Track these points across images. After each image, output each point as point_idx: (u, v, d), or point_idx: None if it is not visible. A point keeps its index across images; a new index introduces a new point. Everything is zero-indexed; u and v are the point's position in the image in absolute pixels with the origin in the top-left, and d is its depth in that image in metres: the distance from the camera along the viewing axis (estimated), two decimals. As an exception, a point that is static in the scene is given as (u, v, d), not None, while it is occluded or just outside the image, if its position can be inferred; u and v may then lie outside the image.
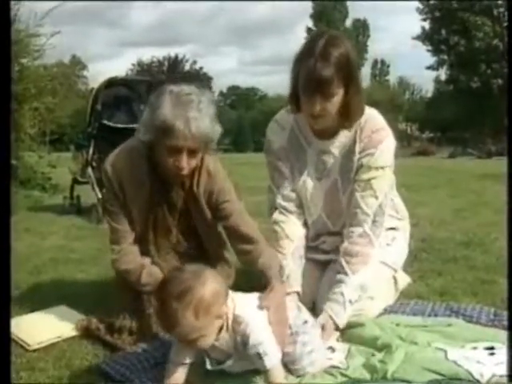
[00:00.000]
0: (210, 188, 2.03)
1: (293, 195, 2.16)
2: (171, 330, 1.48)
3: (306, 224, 2.19)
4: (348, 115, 1.98)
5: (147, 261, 2.04)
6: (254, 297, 1.68)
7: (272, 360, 1.49)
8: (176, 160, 1.86)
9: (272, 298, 1.70)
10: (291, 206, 2.16)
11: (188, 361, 1.56)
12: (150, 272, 2.01)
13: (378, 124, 2.06)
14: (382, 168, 2.03)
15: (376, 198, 2.02)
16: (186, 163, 1.87)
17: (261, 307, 1.63)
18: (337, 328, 1.90)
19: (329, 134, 2.08)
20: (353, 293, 1.95)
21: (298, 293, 2.02)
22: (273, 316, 1.63)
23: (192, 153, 1.87)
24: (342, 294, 1.94)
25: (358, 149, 2.04)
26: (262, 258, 1.91)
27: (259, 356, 1.48)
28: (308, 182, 2.13)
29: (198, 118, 1.81)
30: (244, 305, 1.58)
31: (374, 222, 2.02)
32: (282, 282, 1.89)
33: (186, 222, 2.11)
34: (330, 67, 1.85)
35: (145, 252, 2.09)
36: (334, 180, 2.10)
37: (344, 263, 1.98)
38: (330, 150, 2.09)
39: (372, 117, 2.07)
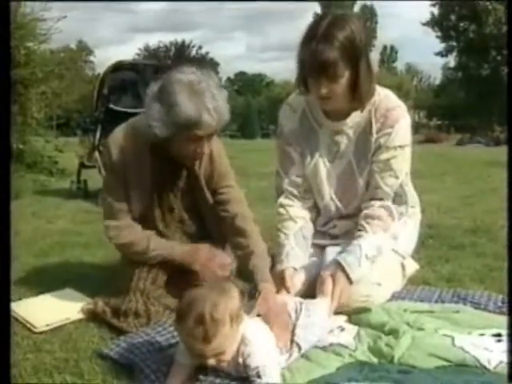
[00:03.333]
0: (211, 170, 2.06)
1: (300, 181, 2.14)
2: (205, 346, 1.43)
3: (313, 209, 2.18)
4: (358, 96, 1.95)
5: (152, 232, 2.05)
6: (259, 320, 1.67)
7: (269, 381, 1.48)
8: (198, 147, 1.91)
9: (263, 303, 1.72)
10: (298, 192, 2.15)
11: (191, 362, 1.55)
12: (159, 240, 2.03)
13: (393, 102, 2.04)
14: (401, 147, 2.01)
15: (396, 177, 2.02)
16: (206, 148, 1.93)
17: (266, 329, 1.62)
18: (350, 282, 1.87)
19: (342, 115, 2.05)
20: (371, 249, 1.92)
21: (294, 268, 2.00)
22: (270, 319, 1.65)
23: (210, 135, 1.92)
24: (360, 246, 1.92)
25: (374, 129, 2.01)
26: (253, 260, 1.91)
27: (258, 375, 1.47)
28: (319, 165, 2.11)
29: (217, 105, 1.84)
30: (252, 327, 1.56)
31: (395, 201, 2.03)
32: (270, 280, 1.87)
33: (190, 200, 2.12)
34: (332, 49, 1.82)
35: (158, 234, 2.09)
36: (348, 161, 2.08)
37: (364, 223, 1.98)
38: (343, 131, 2.06)
39: (386, 96, 2.04)
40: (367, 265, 1.92)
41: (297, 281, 1.98)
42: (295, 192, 2.15)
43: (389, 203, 2.02)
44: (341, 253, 1.96)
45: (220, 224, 2.12)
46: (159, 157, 2.00)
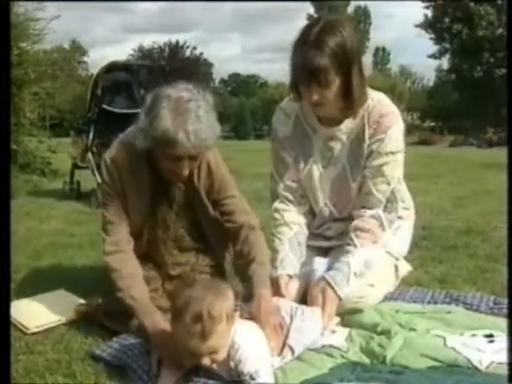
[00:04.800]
0: (211, 181, 2.02)
1: (294, 185, 2.14)
2: (201, 343, 1.44)
3: (308, 213, 2.18)
4: (350, 102, 1.94)
5: (139, 272, 1.94)
6: (253, 324, 1.67)
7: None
8: (177, 167, 1.85)
9: (256, 306, 1.73)
10: (292, 196, 2.14)
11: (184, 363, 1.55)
12: (141, 290, 1.86)
13: (387, 108, 2.02)
14: (393, 153, 2.00)
15: (388, 183, 2.00)
16: (187, 170, 1.86)
17: (259, 333, 1.62)
18: (339, 299, 1.87)
19: (335, 121, 2.04)
20: (359, 265, 1.93)
21: (290, 276, 2.01)
22: (262, 322, 1.66)
23: (193, 158, 1.86)
24: (349, 264, 1.92)
25: (367, 135, 2.00)
26: (253, 266, 1.89)
27: (252, 378, 1.48)
28: (314, 171, 2.10)
29: (199, 129, 1.77)
30: (243, 331, 1.56)
31: (386, 207, 2.01)
32: (268, 286, 1.86)
33: (188, 216, 2.09)
34: (323, 56, 1.81)
35: (154, 249, 2.08)
36: (341, 167, 2.07)
37: (353, 236, 1.97)
38: (337, 136, 2.05)
39: (379, 101, 2.02)
40: (356, 281, 1.92)
41: (291, 288, 1.98)
42: (290, 197, 2.14)
43: (379, 212, 2.00)
44: (329, 269, 1.95)
45: (221, 235, 2.11)
46: (156, 174, 1.96)
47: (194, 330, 1.42)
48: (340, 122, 2.04)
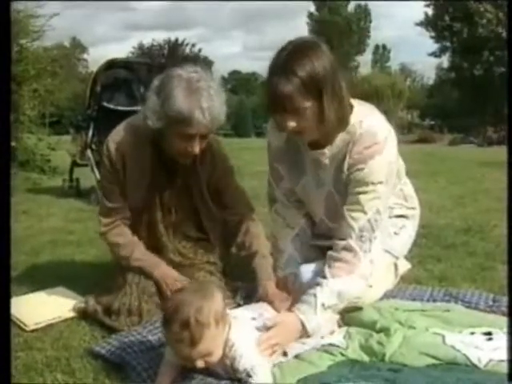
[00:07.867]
0: (213, 166, 2.08)
1: (292, 191, 2.11)
2: (192, 349, 1.44)
3: (308, 214, 2.15)
4: (325, 128, 1.82)
5: (138, 240, 2.06)
6: (248, 314, 1.69)
7: (260, 381, 1.48)
8: (189, 145, 1.89)
9: (265, 291, 1.85)
10: (291, 200, 2.12)
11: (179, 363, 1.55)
12: (144, 252, 2.01)
13: (374, 139, 1.87)
14: (373, 184, 1.88)
15: (364, 212, 1.87)
16: (197, 147, 1.91)
17: (256, 325, 1.65)
18: (306, 332, 1.76)
19: (321, 144, 1.93)
20: (328, 297, 1.80)
21: (295, 274, 2.00)
22: (273, 300, 1.79)
23: (203, 137, 1.91)
24: (315, 295, 1.80)
25: (346, 165, 1.90)
26: (256, 259, 1.97)
27: (249, 376, 1.48)
28: (308, 188, 2.04)
29: (211, 107, 1.84)
30: (238, 327, 1.56)
31: (360, 236, 1.88)
32: (272, 279, 1.94)
33: (188, 202, 2.12)
34: (288, 83, 1.70)
35: (153, 233, 2.10)
36: (329, 191, 1.99)
37: (326, 267, 1.87)
38: (321, 161, 1.95)
39: (367, 131, 1.87)
40: (327, 313, 1.81)
41: (298, 287, 1.96)
42: (288, 201, 2.12)
43: (351, 242, 1.87)
44: (315, 274, 1.93)
45: (220, 231, 2.16)
46: (158, 156, 2.00)
47: (182, 337, 1.43)
48: (325, 145, 1.93)
